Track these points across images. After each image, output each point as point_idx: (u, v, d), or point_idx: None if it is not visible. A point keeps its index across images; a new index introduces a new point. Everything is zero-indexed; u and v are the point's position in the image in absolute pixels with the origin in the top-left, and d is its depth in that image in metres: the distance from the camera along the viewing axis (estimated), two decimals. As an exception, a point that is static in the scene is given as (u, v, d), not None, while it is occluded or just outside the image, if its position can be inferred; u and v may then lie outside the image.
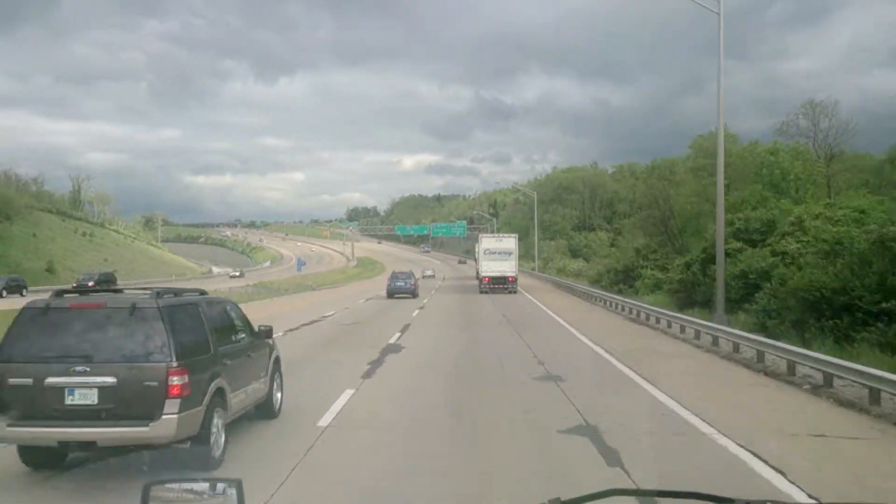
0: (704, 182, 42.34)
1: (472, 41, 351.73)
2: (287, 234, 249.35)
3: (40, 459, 8.39)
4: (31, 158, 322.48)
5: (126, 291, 9.39)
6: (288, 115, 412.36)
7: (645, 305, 31.70)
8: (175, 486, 1.80)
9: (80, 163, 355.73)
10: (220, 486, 1.77)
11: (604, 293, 41.85)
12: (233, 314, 10.38)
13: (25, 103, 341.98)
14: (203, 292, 10.31)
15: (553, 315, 34.39)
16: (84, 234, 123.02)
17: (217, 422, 8.52)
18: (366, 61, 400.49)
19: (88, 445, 7.97)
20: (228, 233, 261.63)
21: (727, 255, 27.51)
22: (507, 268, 47.89)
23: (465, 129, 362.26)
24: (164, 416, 7.60)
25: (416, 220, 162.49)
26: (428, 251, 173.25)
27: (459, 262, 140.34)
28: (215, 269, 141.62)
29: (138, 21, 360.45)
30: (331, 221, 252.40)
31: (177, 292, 9.44)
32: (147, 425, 7.59)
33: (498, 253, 48.22)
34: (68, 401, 7.66)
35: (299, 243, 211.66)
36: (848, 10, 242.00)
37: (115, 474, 8.01)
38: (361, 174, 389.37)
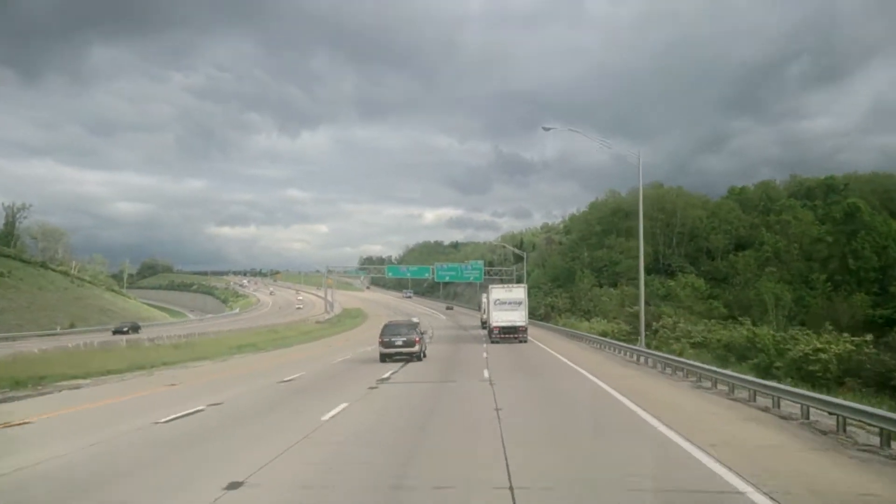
0: None
1: (491, 97, 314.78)
2: (275, 281, 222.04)
3: (385, 360, 30.02)
4: (59, 207, 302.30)
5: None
6: (311, 167, 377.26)
7: None
8: None
9: (108, 212, 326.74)
10: None
11: None
12: (422, 328, 34.58)
13: (53, 152, 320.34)
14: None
15: None
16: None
17: (423, 351, 31.90)
18: (386, 115, 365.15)
19: (399, 355, 30.25)
20: (246, 281, 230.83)
21: None
22: (518, 317, 43.90)
23: (485, 184, 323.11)
24: (415, 347, 30.57)
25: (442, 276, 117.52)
26: (410, 296, 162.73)
27: (447, 308, 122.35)
28: (190, 315, 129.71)
29: (165, 74, 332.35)
30: (340, 271, 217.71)
31: (409, 320, 35.41)
32: (413, 348, 30.38)
33: (508, 303, 44.27)
34: (395, 343, 30.42)
35: (301, 294, 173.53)
36: (869, 71, 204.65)
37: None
38: (383, 227, 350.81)
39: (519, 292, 45.58)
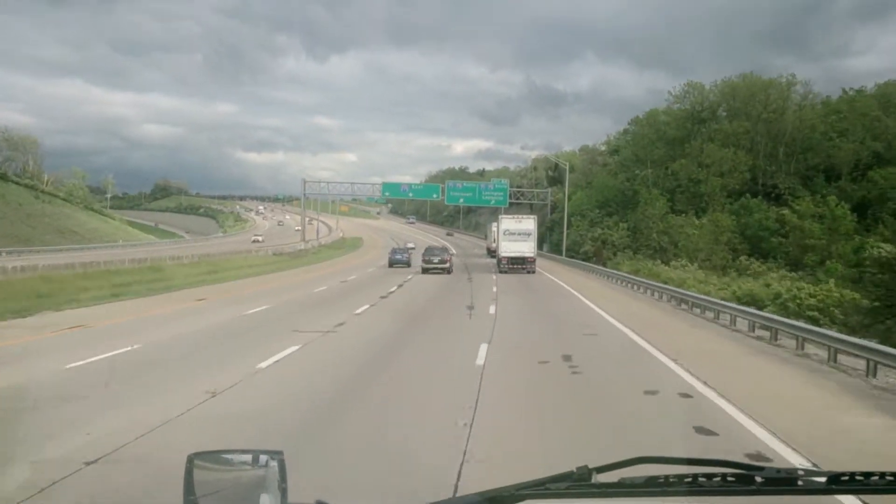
0: None
1: (526, 24, 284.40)
2: (283, 206, 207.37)
3: (426, 272, 37.95)
4: (88, 128, 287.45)
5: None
6: (339, 94, 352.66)
7: None
8: (218, 457, 1.70)
9: (136, 134, 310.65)
10: (262, 457, 1.67)
11: None
12: (450, 250, 47.36)
13: (82, 72, 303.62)
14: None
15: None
16: None
17: (451, 267, 39.63)
18: (417, 42, 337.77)
19: (435, 269, 38.45)
20: (262, 207, 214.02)
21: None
22: (526, 248, 42.81)
23: (515, 115, 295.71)
24: (447, 264, 39.12)
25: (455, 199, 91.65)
26: (412, 222, 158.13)
27: (448, 234, 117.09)
28: (186, 237, 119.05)
29: None
30: (360, 200, 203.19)
31: (444, 246, 53.77)
32: (445, 265, 39.05)
33: (517, 234, 42.87)
34: (433, 261, 39.24)
35: (312, 222, 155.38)
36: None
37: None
38: (411, 157, 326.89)
39: (529, 223, 44.10)
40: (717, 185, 50.20)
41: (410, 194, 72.42)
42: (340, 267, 45.96)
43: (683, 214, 48.60)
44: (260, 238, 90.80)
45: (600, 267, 42.34)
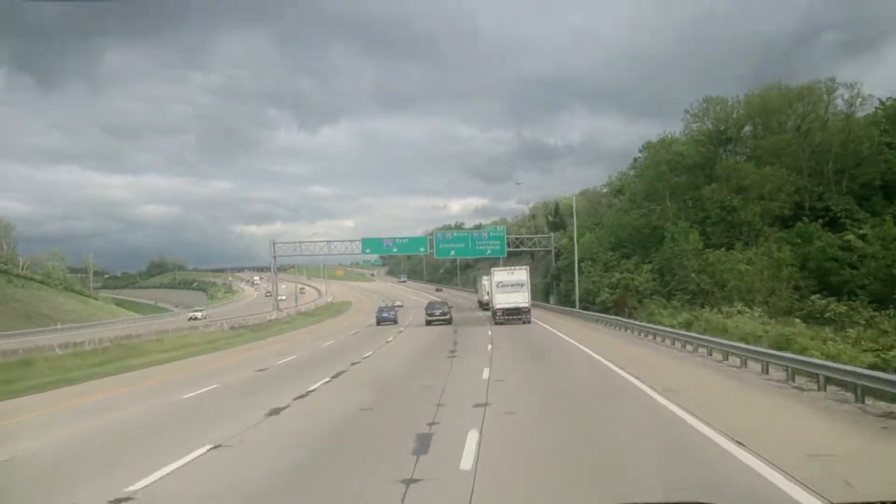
0: None
1: (513, 82, 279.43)
2: (275, 275, 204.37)
3: (430, 324, 43.32)
4: (86, 212, 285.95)
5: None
6: (333, 163, 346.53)
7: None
8: None
9: (134, 215, 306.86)
10: None
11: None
12: (450, 303, 51.79)
13: (78, 157, 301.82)
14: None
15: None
16: None
17: (451, 317, 45.07)
18: (406, 106, 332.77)
19: (438, 320, 43.66)
20: (257, 278, 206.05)
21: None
22: (521, 298, 42.18)
23: (509, 172, 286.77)
24: (447, 316, 44.59)
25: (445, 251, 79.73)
26: (404, 281, 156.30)
27: (437, 290, 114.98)
28: (174, 310, 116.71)
29: (183, 74, 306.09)
30: (357, 264, 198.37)
31: (444, 300, 57.38)
32: (446, 316, 44.56)
33: (511, 285, 42.55)
34: (436, 314, 44.72)
35: (308, 285, 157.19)
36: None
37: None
38: (408, 219, 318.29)
39: (521, 274, 42.97)
40: (757, 210, 40.37)
41: (395, 249, 62.69)
42: (299, 339, 36.19)
43: (724, 249, 38.65)
44: (199, 315, 74.14)
45: (629, 321, 32.13)
